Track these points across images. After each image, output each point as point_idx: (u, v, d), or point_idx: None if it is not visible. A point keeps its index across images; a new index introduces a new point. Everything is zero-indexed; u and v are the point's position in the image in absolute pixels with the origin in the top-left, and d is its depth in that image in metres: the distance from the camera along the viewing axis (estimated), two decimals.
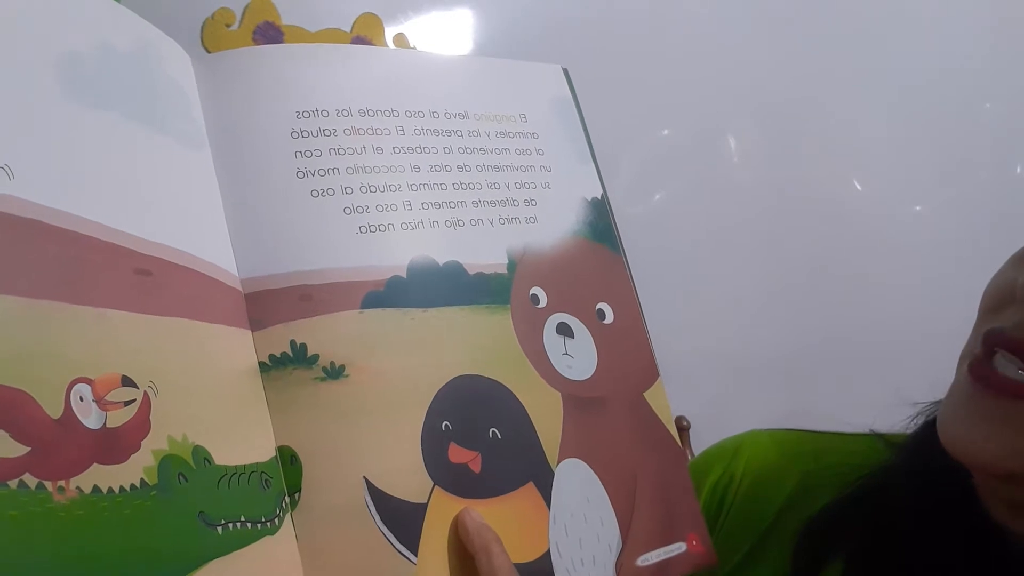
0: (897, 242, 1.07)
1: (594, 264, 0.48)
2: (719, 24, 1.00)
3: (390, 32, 0.63)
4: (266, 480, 0.36)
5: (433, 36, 0.75)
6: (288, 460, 0.37)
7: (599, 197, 0.50)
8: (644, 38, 0.93)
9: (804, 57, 1.05)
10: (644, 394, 0.47)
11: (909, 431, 0.43)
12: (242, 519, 0.34)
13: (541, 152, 0.49)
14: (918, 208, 1.10)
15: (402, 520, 0.37)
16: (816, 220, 1.04)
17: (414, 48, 0.71)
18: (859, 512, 0.42)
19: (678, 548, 0.44)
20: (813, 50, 1.05)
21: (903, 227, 1.08)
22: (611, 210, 0.51)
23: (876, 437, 0.46)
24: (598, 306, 0.47)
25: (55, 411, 0.30)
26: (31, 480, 0.29)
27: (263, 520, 0.35)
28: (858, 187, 1.08)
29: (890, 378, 0.68)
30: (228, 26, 0.49)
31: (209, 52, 0.41)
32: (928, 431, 0.41)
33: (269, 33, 0.50)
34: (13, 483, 0.28)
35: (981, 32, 1.12)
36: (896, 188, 1.09)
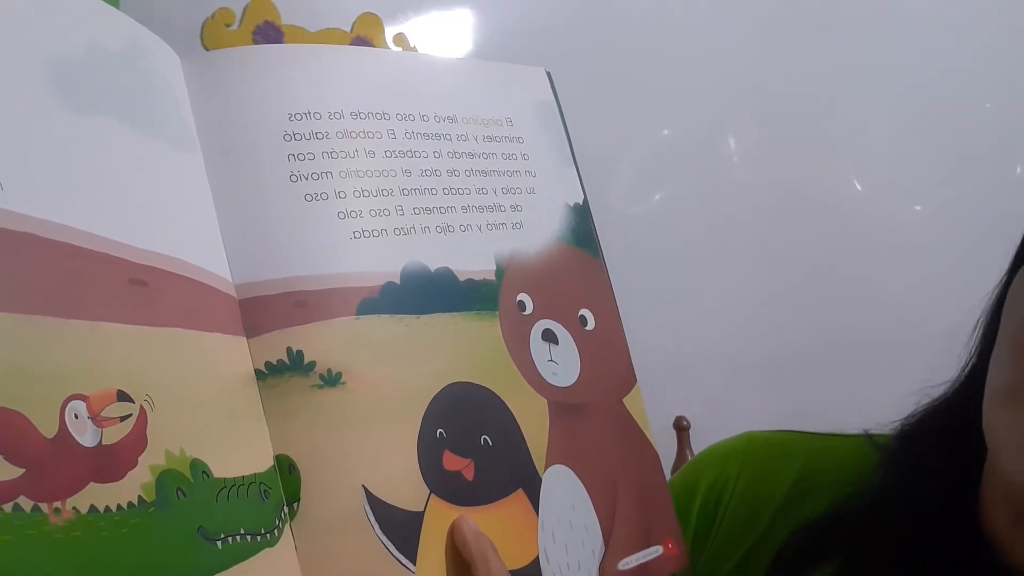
0: (897, 242, 1.06)
1: (576, 270, 0.47)
2: (719, 24, 0.98)
3: (390, 32, 0.60)
4: (265, 491, 0.34)
5: (433, 36, 0.72)
6: (286, 469, 0.35)
7: (580, 203, 0.49)
8: (645, 38, 0.91)
9: (804, 57, 1.03)
10: (623, 400, 0.46)
11: (892, 440, 0.43)
12: (242, 532, 0.32)
13: (526, 157, 0.47)
14: (918, 208, 1.09)
15: (400, 528, 0.36)
16: (816, 220, 1.03)
17: (414, 48, 0.69)
18: (840, 530, 0.41)
19: (655, 552, 0.44)
20: (813, 50, 1.03)
21: (903, 227, 1.07)
22: (591, 216, 0.50)
23: (868, 438, 0.45)
24: (580, 312, 0.46)
25: (49, 430, 0.28)
26: (26, 503, 0.26)
27: (262, 532, 0.33)
28: (858, 187, 1.07)
29: (890, 378, 0.68)
30: (228, 26, 0.47)
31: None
32: (902, 444, 0.41)
33: (269, 33, 0.47)
34: (7, 507, 0.26)
35: (981, 32, 1.10)
36: (896, 188, 1.07)
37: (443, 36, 0.73)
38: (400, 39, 0.62)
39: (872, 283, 1.05)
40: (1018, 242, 0.36)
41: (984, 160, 1.12)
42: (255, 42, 0.40)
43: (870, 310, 1.04)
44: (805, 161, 1.04)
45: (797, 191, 1.03)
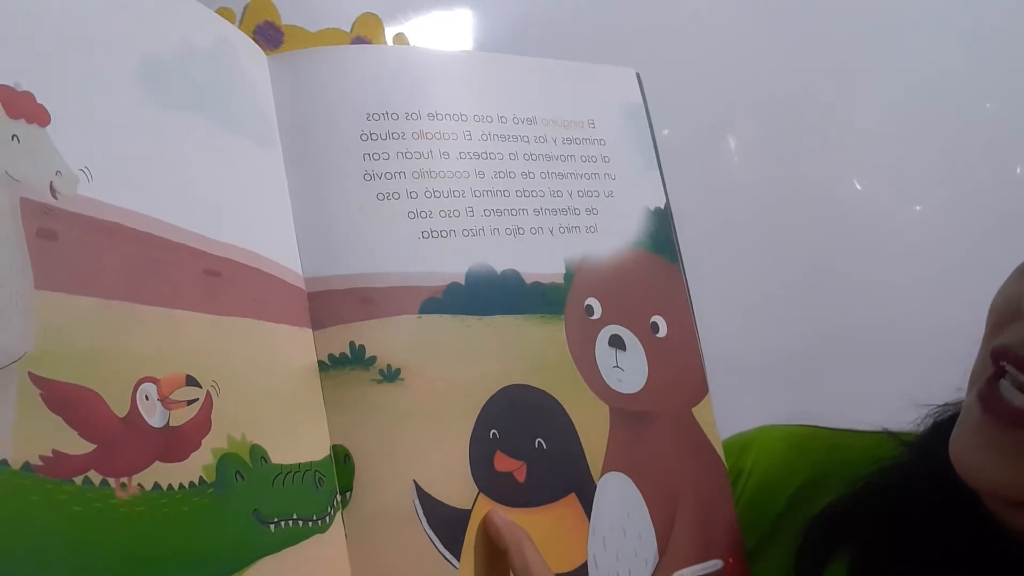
0: (897, 242, 1.02)
1: (652, 276, 0.46)
2: (719, 24, 0.95)
3: (390, 32, 0.59)
4: (319, 479, 0.35)
5: (434, 36, 0.71)
6: (342, 459, 0.36)
7: (662, 207, 0.48)
8: (644, 38, 0.88)
9: (804, 57, 0.99)
10: (692, 409, 0.45)
11: (919, 430, 0.42)
12: (294, 517, 0.33)
13: (607, 160, 0.46)
14: (918, 208, 1.04)
15: (447, 525, 0.36)
16: (816, 220, 0.99)
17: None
18: (866, 509, 0.40)
19: (715, 565, 0.42)
20: (813, 50, 0.99)
21: (903, 227, 1.03)
22: (673, 220, 0.48)
23: (888, 435, 0.44)
24: (652, 319, 0.45)
25: (121, 409, 0.29)
26: (95, 477, 0.28)
27: (314, 518, 0.34)
28: (858, 187, 1.02)
29: (890, 377, 0.66)
30: None
31: None
32: (937, 433, 0.40)
33: (269, 33, 0.48)
34: (78, 479, 0.28)
35: (982, 32, 1.06)
36: (896, 188, 1.03)
37: (444, 36, 0.72)
38: (400, 39, 0.61)
39: (872, 283, 1.00)
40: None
41: (984, 160, 1.05)
42: (255, 42, 0.41)
43: (870, 310, 0.99)
44: (805, 161, 0.99)
45: (797, 191, 0.99)
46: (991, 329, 0.35)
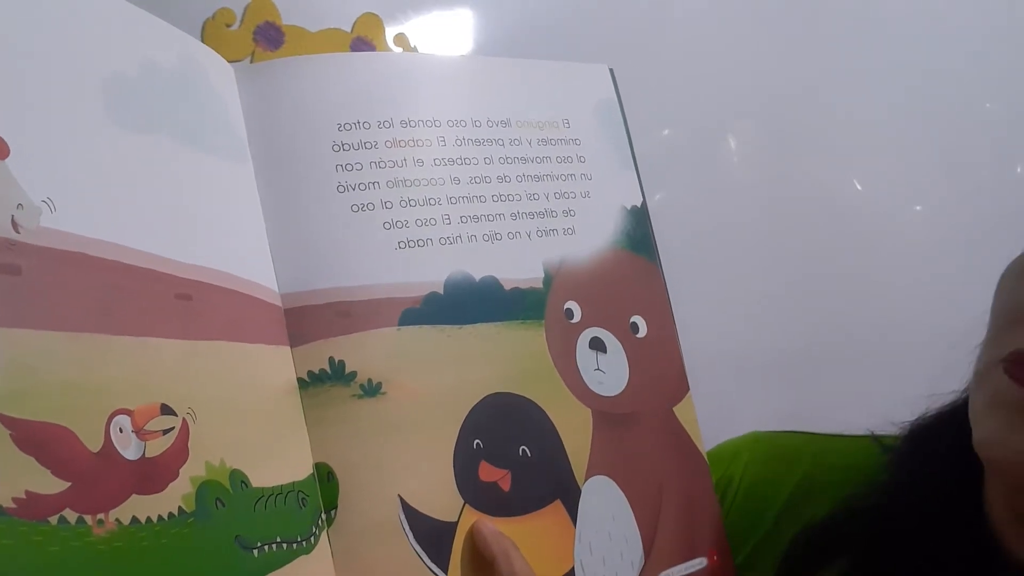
0: (897, 242, 1.01)
1: (630, 276, 0.45)
2: (719, 24, 0.93)
3: (391, 32, 0.57)
4: (302, 499, 0.34)
5: (434, 37, 0.69)
6: (325, 477, 0.35)
7: (639, 205, 0.47)
8: (644, 38, 0.86)
9: (804, 57, 0.98)
10: (674, 408, 0.44)
11: (900, 441, 0.41)
12: (278, 540, 0.32)
13: (583, 159, 0.45)
14: (918, 208, 1.04)
15: (434, 538, 0.35)
16: (816, 220, 0.98)
17: (414, 49, 0.66)
18: (850, 531, 0.39)
19: (699, 564, 0.42)
20: (813, 50, 0.98)
21: (903, 227, 1.02)
22: (649, 218, 0.47)
23: (873, 439, 0.43)
24: (632, 319, 0.44)
25: (95, 444, 0.28)
26: (71, 515, 0.27)
27: (299, 540, 0.33)
28: (858, 187, 1.01)
29: (890, 377, 0.65)
30: (228, 26, 0.46)
31: None
32: (912, 446, 0.39)
33: (269, 33, 0.46)
34: (54, 519, 0.26)
35: (982, 32, 1.05)
36: (896, 188, 1.02)
37: (444, 37, 0.70)
38: (401, 39, 0.59)
39: (872, 283, 0.99)
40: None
41: (984, 160, 1.04)
42: (255, 42, 0.39)
43: (870, 310, 0.99)
44: (805, 161, 0.98)
45: (797, 191, 0.98)
46: (998, 331, 0.33)
